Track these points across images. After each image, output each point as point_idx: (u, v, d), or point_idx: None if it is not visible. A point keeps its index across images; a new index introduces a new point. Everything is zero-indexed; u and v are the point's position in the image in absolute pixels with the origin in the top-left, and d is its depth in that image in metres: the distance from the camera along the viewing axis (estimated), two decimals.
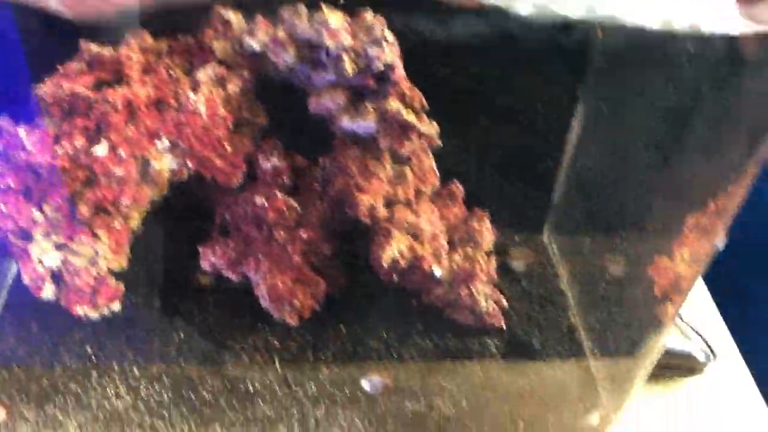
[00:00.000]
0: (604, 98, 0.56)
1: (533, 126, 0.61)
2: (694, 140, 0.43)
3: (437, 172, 0.55)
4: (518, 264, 0.62)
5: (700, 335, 0.64)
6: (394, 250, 0.50)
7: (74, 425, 0.48)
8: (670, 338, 0.61)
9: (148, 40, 0.49)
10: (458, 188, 0.57)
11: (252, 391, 0.50)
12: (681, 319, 0.65)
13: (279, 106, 0.53)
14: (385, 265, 0.50)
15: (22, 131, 0.45)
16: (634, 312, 0.53)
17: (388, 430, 0.49)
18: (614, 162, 0.57)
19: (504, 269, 0.61)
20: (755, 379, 0.62)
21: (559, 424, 0.51)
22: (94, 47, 0.47)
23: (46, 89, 0.45)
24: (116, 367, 0.50)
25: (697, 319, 0.66)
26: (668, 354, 0.59)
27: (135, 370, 0.50)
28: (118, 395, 0.49)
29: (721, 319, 0.67)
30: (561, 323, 0.57)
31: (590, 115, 0.58)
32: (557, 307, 0.59)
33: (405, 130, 0.49)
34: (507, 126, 0.61)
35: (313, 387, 0.50)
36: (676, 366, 0.59)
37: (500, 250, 0.62)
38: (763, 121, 0.37)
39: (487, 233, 0.56)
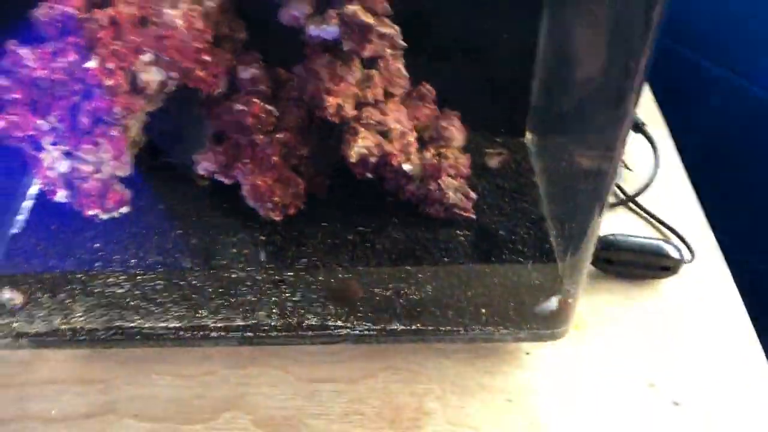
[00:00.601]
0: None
1: (510, 36, 0.64)
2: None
3: (406, 74, 0.59)
4: (493, 162, 0.66)
5: (675, 233, 0.67)
6: (360, 146, 0.54)
7: (80, 310, 0.55)
8: (643, 237, 0.64)
9: None
10: (428, 90, 0.61)
11: (237, 280, 0.56)
12: (656, 219, 0.68)
13: (260, 20, 0.58)
14: (353, 160, 0.55)
15: (24, 50, 0.51)
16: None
17: (357, 312, 0.55)
18: (580, 62, 0.59)
19: (480, 167, 0.65)
20: (735, 280, 0.64)
21: (521, 308, 0.56)
22: None
23: (41, 11, 0.51)
24: (118, 260, 0.57)
25: (677, 219, 0.69)
26: (639, 252, 0.62)
27: (134, 262, 0.57)
28: (118, 284, 0.56)
29: (705, 220, 0.70)
30: (529, 213, 0.62)
31: (557, 19, 0.61)
32: (527, 200, 0.63)
33: (364, 32, 0.53)
34: (486, 33, 0.64)
35: (291, 276, 0.56)
36: (648, 264, 0.62)
37: (478, 150, 0.66)
38: None
39: (456, 132, 0.60)
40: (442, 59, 0.63)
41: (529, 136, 0.70)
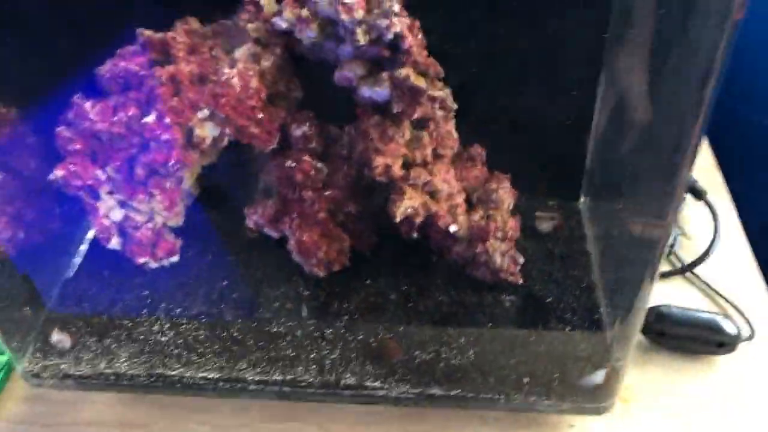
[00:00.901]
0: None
1: (567, 100, 0.63)
2: None
3: (456, 136, 0.59)
4: (545, 226, 0.65)
5: (735, 307, 0.64)
6: (406, 205, 0.54)
7: (125, 355, 0.56)
8: (699, 310, 0.61)
9: (194, 24, 0.56)
10: (478, 152, 0.61)
11: (278, 334, 0.56)
12: (714, 291, 0.65)
13: (315, 79, 0.59)
14: (397, 219, 0.54)
15: (88, 104, 0.54)
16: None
17: (396, 373, 0.54)
18: (635, 126, 0.58)
19: (532, 231, 0.64)
20: None
21: (565, 379, 0.54)
22: (147, 32, 0.55)
23: (105, 68, 0.54)
24: (164, 308, 0.58)
25: (737, 293, 0.66)
26: (694, 325, 0.60)
27: (179, 311, 0.58)
28: (162, 332, 0.57)
29: (767, 295, 0.67)
30: (579, 281, 0.60)
31: (614, 84, 0.60)
32: (577, 266, 0.61)
33: (415, 95, 0.53)
34: (543, 97, 0.64)
35: (331, 333, 0.56)
36: (703, 339, 0.59)
37: (530, 214, 0.65)
38: None
39: (505, 194, 0.60)
40: (499, 122, 0.63)
41: (583, 200, 0.69)
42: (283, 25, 0.54)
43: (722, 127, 0.88)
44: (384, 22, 0.51)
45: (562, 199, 0.69)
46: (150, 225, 0.58)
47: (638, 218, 0.55)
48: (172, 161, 0.55)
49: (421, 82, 0.53)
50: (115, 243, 0.58)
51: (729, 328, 0.58)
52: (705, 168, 0.82)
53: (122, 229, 0.58)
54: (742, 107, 1.04)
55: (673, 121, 0.45)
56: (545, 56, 0.61)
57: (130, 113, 0.53)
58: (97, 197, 0.57)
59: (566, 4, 0.57)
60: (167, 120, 0.54)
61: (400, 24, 0.52)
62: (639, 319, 0.50)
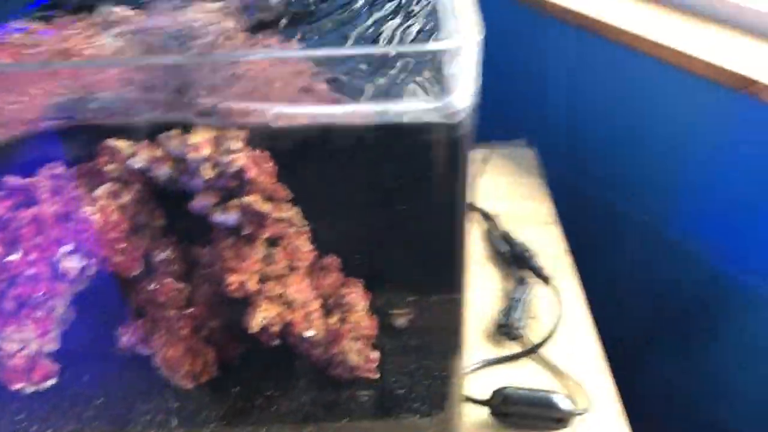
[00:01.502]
0: None
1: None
2: None
3: (308, 249, 0.65)
4: (401, 321, 0.71)
5: (576, 383, 0.71)
6: (261, 316, 0.60)
7: None
8: (537, 389, 0.68)
9: (59, 168, 0.62)
10: (333, 261, 0.67)
11: None
12: (555, 370, 0.73)
13: (177, 207, 0.65)
14: (253, 330, 0.60)
15: None
16: None
17: None
18: None
19: (387, 327, 0.70)
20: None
21: None
22: (11, 179, 0.60)
23: None
24: (39, 430, 0.61)
25: (578, 369, 0.73)
26: (531, 404, 0.66)
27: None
28: None
29: (607, 371, 0.74)
30: (432, 369, 0.66)
31: None
32: (431, 357, 0.68)
33: (261, 218, 0.60)
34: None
35: None
36: (541, 416, 0.66)
37: (386, 311, 0.72)
38: None
39: (357, 297, 0.66)
40: (360, 231, 0.70)
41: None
42: (139, 165, 0.60)
43: (573, 209, 0.98)
44: (227, 158, 0.58)
45: (418, 295, 0.76)
46: (24, 352, 0.62)
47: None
48: (40, 294, 0.59)
49: (266, 207, 0.60)
50: None
51: (564, 404, 0.65)
52: (555, 254, 0.91)
53: None
54: (593, 189, 1.15)
55: None
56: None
57: None
58: None
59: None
60: (32, 256, 0.58)
61: (241, 159, 0.59)
62: (457, 404, 0.56)
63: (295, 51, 0.56)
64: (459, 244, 0.59)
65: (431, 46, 0.44)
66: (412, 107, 0.45)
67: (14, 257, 0.58)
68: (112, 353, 0.67)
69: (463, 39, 0.40)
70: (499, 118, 1.06)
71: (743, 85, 0.90)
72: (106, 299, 0.68)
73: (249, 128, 0.59)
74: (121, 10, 0.62)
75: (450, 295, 0.71)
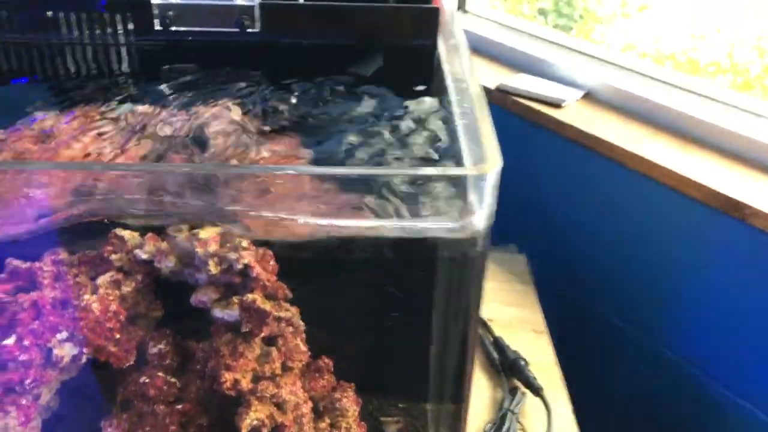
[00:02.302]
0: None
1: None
2: None
3: (304, 349, 0.64)
4: (392, 429, 0.70)
5: None
6: (252, 417, 0.59)
7: None
8: None
9: (63, 254, 0.62)
10: (326, 363, 0.67)
11: None
12: None
13: (176, 299, 0.65)
14: (243, 431, 0.59)
15: None
16: None
17: None
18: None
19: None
20: None
21: None
22: (15, 262, 0.60)
23: None
24: None
25: None
26: None
27: None
28: None
29: None
30: None
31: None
32: None
33: (261, 316, 0.60)
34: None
35: None
36: None
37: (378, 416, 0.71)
38: None
39: (349, 403, 0.65)
40: (346, 333, 0.70)
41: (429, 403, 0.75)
42: (144, 256, 0.60)
43: (565, 319, 0.99)
44: (234, 255, 0.59)
45: (412, 402, 0.75)
46: None
47: None
48: (29, 380, 0.58)
49: (267, 305, 0.60)
50: None
51: None
52: (544, 364, 0.91)
53: None
54: (585, 301, 1.16)
55: None
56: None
57: None
58: None
59: None
60: (26, 342, 0.57)
61: (248, 256, 0.59)
62: None
63: (324, 168, 0.57)
64: (466, 357, 0.59)
65: (458, 171, 0.45)
66: (434, 225, 0.47)
67: (9, 341, 0.57)
68: None
69: (487, 166, 0.42)
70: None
71: (734, 209, 0.93)
72: (91, 389, 0.67)
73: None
74: (143, 109, 0.64)
75: (450, 405, 0.70)
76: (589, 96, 1.27)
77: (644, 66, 1.27)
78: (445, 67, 0.63)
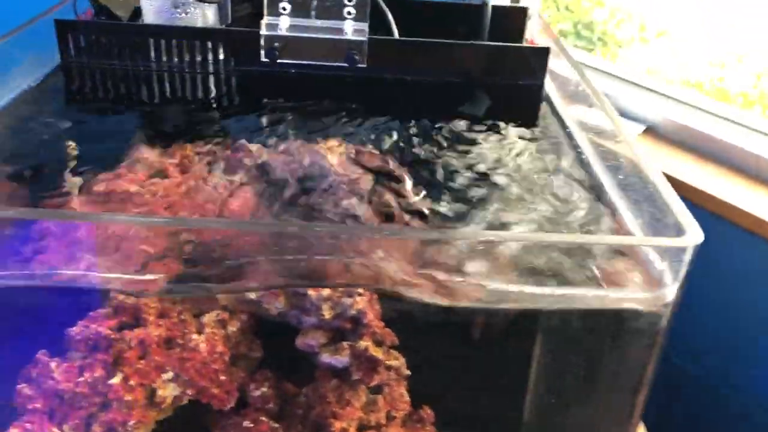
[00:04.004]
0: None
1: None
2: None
3: (408, 399, 0.62)
4: None
5: None
6: None
7: None
8: None
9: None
10: (427, 413, 0.64)
11: None
12: None
13: (275, 341, 0.62)
14: None
15: (53, 363, 0.55)
16: None
17: None
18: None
19: None
20: None
21: None
22: (120, 296, 0.58)
23: (76, 330, 0.56)
24: None
25: None
26: None
27: None
28: None
29: None
30: None
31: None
32: None
33: (373, 364, 0.57)
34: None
35: None
36: None
37: None
38: None
39: None
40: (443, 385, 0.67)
41: None
42: (252, 296, 0.58)
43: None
44: (348, 301, 0.56)
45: None
46: None
47: None
48: (133, 422, 0.56)
49: (378, 353, 0.57)
50: None
51: None
52: None
53: None
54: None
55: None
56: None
57: (96, 374, 0.55)
58: None
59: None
60: (132, 381, 0.55)
61: (362, 302, 0.57)
62: None
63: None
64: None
65: (663, 241, 0.43)
66: (623, 295, 0.44)
67: (115, 380, 0.55)
68: None
69: (690, 239, 0.39)
70: None
71: None
72: (186, 430, 0.64)
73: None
74: (255, 149, 0.62)
75: None
76: (651, 130, 1.24)
77: (704, 101, 1.25)
78: (563, 110, 0.61)
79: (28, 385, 0.55)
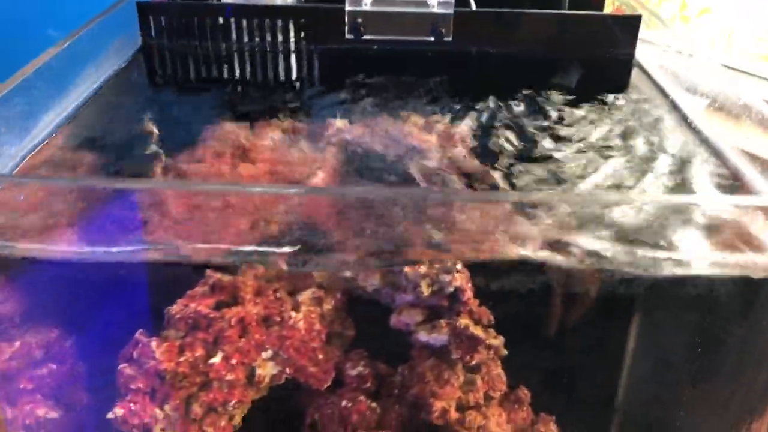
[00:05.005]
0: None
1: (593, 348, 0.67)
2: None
3: (505, 378, 0.61)
4: None
5: None
6: None
7: None
8: None
9: (261, 269, 0.59)
10: (525, 393, 0.62)
11: None
12: None
13: (366, 320, 0.61)
14: None
15: (153, 343, 0.55)
16: None
17: None
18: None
19: None
20: None
21: None
22: (216, 275, 0.57)
23: (176, 308, 0.55)
24: None
25: None
26: None
27: None
28: None
29: None
30: None
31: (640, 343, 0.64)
32: None
33: (473, 343, 0.56)
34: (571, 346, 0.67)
35: None
36: None
37: None
38: None
39: None
40: (533, 366, 0.66)
41: None
42: (348, 273, 0.57)
43: None
44: (447, 278, 0.55)
45: None
46: None
47: None
48: (233, 401, 0.56)
49: (478, 331, 0.56)
50: None
51: None
52: None
53: None
54: None
55: None
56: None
57: (197, 354, 0.55)
58: None
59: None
60: (233, 361, 0.55)
61: (460, 279, 0.55)
62: None
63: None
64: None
65: None
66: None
67: (216, 360, 0.55)
68: None
69: None
70: None
71: None
72: (278, 410, 0.64)
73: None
74: (342, 125, 0.61)
75: None
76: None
77: None
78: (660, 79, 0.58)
79: (129, 364, 0.56)
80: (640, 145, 0.53)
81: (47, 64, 0.53)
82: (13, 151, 0.52)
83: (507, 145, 0.56)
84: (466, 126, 0.59)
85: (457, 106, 0.62)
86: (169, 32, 0.71)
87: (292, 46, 0.70)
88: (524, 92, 0.62)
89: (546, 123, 0.58)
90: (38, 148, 0.55)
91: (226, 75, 0.71)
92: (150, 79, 0.69)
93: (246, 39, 0.70)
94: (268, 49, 0.70)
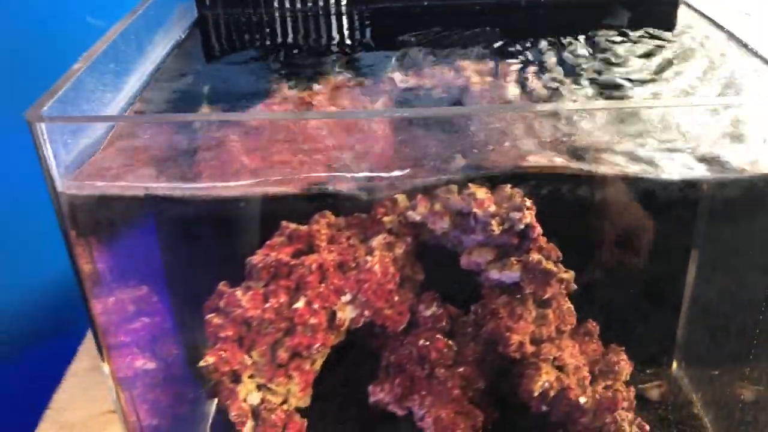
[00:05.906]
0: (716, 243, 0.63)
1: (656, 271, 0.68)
2: None
3: (575, 312, 0.62)
4: (653, 393, 0.67)
5: None
6: (542, 380, 0.57)
7: None
8: None
9: (332, 217, 0.61)
10: (594, 326, 0.64)
11: None
12: None
13: (434, 263, 0.63)
14: (535, 394, 0.57)
15: (239, 292, 0.57)
16: None
17: None
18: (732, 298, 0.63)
19: (639, 399, 0.66)
20: None
21: None
22: (292, 225, 0.60)
23: (257, 258, 0.58)
24: None
25: None
26: None
27: None
28: None
29: None
30: None
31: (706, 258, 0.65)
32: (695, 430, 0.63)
33: (546, 277, 0.58)
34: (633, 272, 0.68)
35: None
36: None
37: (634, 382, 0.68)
38: None
39: (625, 365, 0.62)
40: (595, 296, 0.67)
41: (676, 367, 0.72)
42: (417, 218, 0.59)
43: None
44: (517, 215, 0.57)
45: (655, 366, 0.72)
46: (285, 406, 0.60)
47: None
48: (317, 345, 0.58)
49: (551, 266, 0.58)
50: (249, 427, 0.60)
51: None
52: None
53: (256, 412, 0.60)
54: None
55: None
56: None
57: (281, 300, 0.57)
58: (238, 381, 0.59)
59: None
60: (315, 305, 0.57)
61: (530, 216, 0.57)
62: None
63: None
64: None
65: None
66: None
67: (299, 305, 0.57)
68: (355, 413, 0.65)
69: None
70: None
71: None
72: (355, 354, 0.66)
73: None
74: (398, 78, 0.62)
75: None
76: None
77: None
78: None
79: (217, 314, 0.58)
80: (705, 68, 0.54)
81: (126, 29, 0.55)
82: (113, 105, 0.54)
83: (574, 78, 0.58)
84: (526, 66, 0.61)
85: (512, 50, 0.63)
86: (224, 2, 0.74)
87: (344, 9, 0.72)
88: (578, 35, 0.64)
89: (605, 55, 0.59)
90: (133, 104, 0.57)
91: (280, 39, 0.73)
92: (205, 47, 0.72)
93: (299, 4, 0.72)
94: (320, 12, 0.72)
